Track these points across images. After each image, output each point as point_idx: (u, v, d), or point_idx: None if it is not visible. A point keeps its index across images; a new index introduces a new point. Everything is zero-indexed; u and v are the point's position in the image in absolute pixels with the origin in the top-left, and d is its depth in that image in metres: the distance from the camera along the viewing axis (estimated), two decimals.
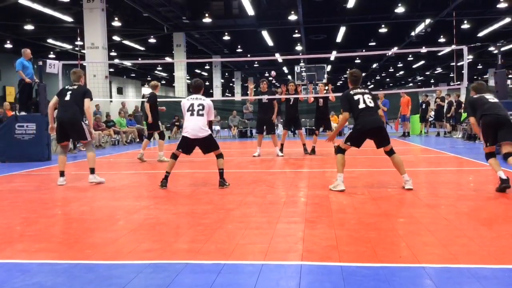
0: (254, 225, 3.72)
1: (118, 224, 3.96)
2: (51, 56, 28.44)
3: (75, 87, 6.33)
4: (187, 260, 2.84)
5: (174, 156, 5.89)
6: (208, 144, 5.81)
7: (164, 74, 43.81)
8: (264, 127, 9.96)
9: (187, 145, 5.78)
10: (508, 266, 2.65)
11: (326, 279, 2.50)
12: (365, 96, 5.44)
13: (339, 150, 5.57)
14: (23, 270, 2.73)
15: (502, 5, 18.93)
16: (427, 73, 46.39)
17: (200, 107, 5.73)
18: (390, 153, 5.58)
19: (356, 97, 5.42)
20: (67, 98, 6.17)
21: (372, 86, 61.58)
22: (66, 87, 6.42)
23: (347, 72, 6.35)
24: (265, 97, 9.79)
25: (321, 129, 10.45)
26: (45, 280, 2.55)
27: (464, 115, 16.65)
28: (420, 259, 2.80)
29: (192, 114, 5.71)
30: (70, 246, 3.23)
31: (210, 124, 5.91)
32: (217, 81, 34.50)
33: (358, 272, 2.62)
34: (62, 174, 6.30)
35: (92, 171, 6.23)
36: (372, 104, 5.40)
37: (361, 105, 5.35)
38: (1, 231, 3.75)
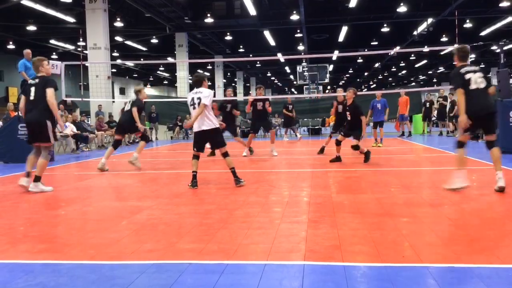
0: (257, 225, 3.72)
1: (121, 225, 3.96)
2: (54, 56, 28.51)
3: (37, 80, 5.72)
4: (190, 260, 2.84)
5: (195, 156, 5.94)
6: (215, 139, 5.88)
7: (166, 74, 43.88)
8: (261, 127, 10.42)
9: (197, 140, 5.87)
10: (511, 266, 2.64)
11: (329, 279, 2.50)
12: (477, 75, 4.76)
13: (459, 145, 4.98)
14: (26, 271, 2.73)
15: (504, 4, 18.86)
16: (430, 72, 46.30)
17: (198, 100, 5.70)
18: (492, 145, 4.96)
19: (467, 76, 4.73)
20: (32, 96, 5.64)
21: (374, 85, 61.55)
22: (29, 81, 5.83)
23: (454, 47, 5.42)
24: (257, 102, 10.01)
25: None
26: (48, 281, 2.55)
27: None
28: (423, 258, 2.79)
29: (194, 108, 5.75)
30: (73, 246, 3.24)
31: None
32: (219, 81, 34.52)
33: (361, 272, 2.62)
34: (28, 174, 5.71)
35: (38, 179, 5.60)
36: (484, 85, 4.74)
37: (473, 86, 4.69)
38: (4, 231, 3.76)
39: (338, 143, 8.44)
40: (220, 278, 2.52)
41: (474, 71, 4.77)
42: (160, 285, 2.45)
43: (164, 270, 2.68)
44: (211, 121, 5.70)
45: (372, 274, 2.60)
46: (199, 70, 40.71)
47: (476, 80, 4.71)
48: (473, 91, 4.64)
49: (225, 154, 5.81)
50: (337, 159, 8.39)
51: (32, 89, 5.65)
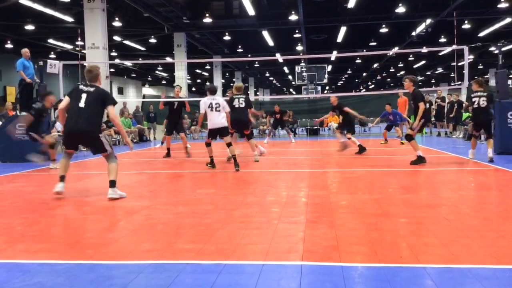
0: (255, 225, 3.72)
1: (119, 224, 3.96)
2: (52, 56, 28.46)
3: (92, 89, 5.22)
4: (188, 260, 2.84)
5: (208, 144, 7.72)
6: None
7: (165, 74, 43.83)
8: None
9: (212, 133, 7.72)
10: (510, 266, 2.65)
11: (326, 279, 2.50)
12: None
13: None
14: (24, 270, 2.73)
15: (503, 5, 18.91)
16: (428, 73, 46.37)
17: (217, 105, 7.51)
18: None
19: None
20: (82, 104, 5.10)
21: (372, 86, 61.62)
22: (80, 87, 5.27)
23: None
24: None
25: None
26: (46, 280, 2.55)
27: (465, 115, 16.61)
28: (421, 259, 2.80)
29: (213, 110, 7.52)
30: (71, 246, 3.23)
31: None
32: (218, 81, 34.46)
33: (359, 272, 2.62)
34: (62, 179, 5.30)
35: (113, 183, 5.17)
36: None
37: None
38: (2, 231, 3.76)
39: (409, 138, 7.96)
40: (218, 278, 2.52)
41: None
42: (158, 285, 2.45)
43: (162, 270, 2.68)
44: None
45: (370, 274, 2.60)
46: (197, 70, 40.74)
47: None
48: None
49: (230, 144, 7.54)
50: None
51: (83, 96, 5.15)
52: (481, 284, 2.39)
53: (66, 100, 5.33)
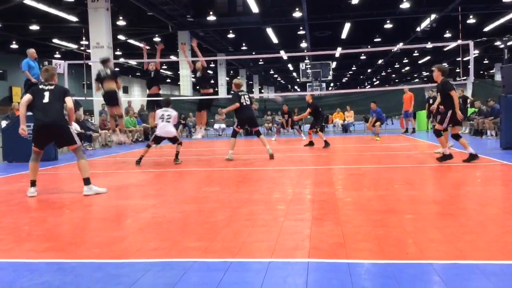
0: (261, 223, 3.73)
1: (125, 223, 3.98)
2: (57, 56, 28.61)
3: (52, 87, 5.51)
4: (194, 258, 2.85)
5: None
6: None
7: (169, 73, 43.91)
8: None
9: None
10: None
11: (333, 276, 2.50)
12: None
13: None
14: (31, 270, 2.75)
15: None
16: (433, 68, 46.07)
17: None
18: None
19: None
20: (46, 100, 5.35)
21: (377, 82, 61.35)
22: (41, 86, 5.54)
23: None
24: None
25: None
26: (53, 280, 2.57)
27: (470, 110, 16.50)
28: (427, 255, 2.79)
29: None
30: (77, 245, 3.25)
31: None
32: (222, 79, 34.52)
33: (365, 269, 2.62)
34: (33, 183, 5.42)
35: (87, 181, 5.37)
36: None
37: None
38: (9, 230, 3.79)
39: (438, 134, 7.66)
40: (225, 276, 2.53)
41: None
42: (165, 284, 2.46)
43: (169, 268, 2.69)
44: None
45: (376, 271, 2.60)
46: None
47: None
48: None
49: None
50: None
51: (46, 94, 5.41)
52: (489, 280, 2.38)
53: (28, 96, 5.48)
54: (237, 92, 8.70)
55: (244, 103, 8.55)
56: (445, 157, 7.30)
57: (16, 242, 3.40)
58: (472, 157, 7.22)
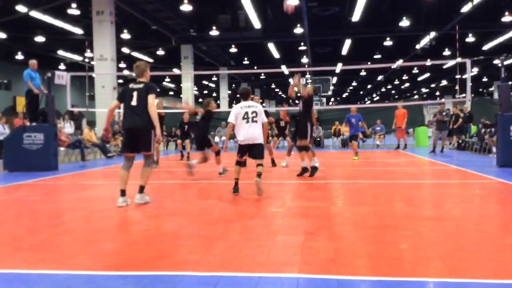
0: (254, 237, 3.74)
1: (119, 235, 3.99)
2: (61, 67, 28.86)
3: (141, 86, 5.28)
4: (185, 272, 2.86)
5: (239, 163, 6.12)
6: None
7: (172, 85, 44.19)
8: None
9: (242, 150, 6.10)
10: (507, 281, 2.64)
11: None
12: None
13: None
14: (23, 280, 2.76)
15: (506, 18, 18.98)
16: (432, 85, 46.34)
17: (254, 114, 5.93)
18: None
19: None
20: (134, 102, 5.21)
21: (377, 98, 61.59)
22: (130, 86, 5.34)
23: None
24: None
25: None
26: None
27: (474, 128, 16.51)
28: (418, 273, 2.80)
29: (247, 122, 5.92)
30: (70, 256, 3.27)
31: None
32: (224, 93, 34.74)
33: (355, 285, 2.63)
34: (123, 193, 5.23)
35: (142, 189, 5.28)
36: None
37: None
38: (5, 240, 3.80)
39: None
40: None
41: None
42: None
43: (159, 282, 2.70)
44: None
45: (366, 287, 2.61)
46: (204, 82, 41.02)
47: None
48: None
49: (260, 165, 5.98)
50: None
51: (134, 94, 5.23)
52: None
53: (115, 102, 5.44)
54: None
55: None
56: (305, 171, 7.81)
57: (10, 253, 3.41)
58: (304, 171, 7.77)
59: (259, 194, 5.69)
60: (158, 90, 5.54)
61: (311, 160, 7.89)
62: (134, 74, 5.48)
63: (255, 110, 5.93)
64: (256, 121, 5.91)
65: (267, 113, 8.37)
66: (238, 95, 8.39)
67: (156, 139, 5.35)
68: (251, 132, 5.87)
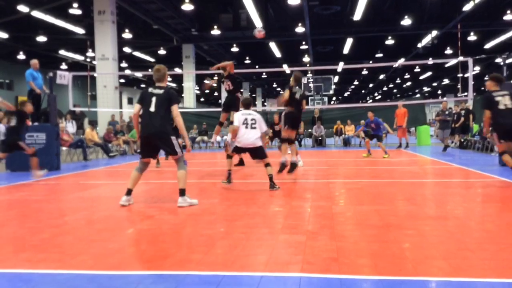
0: (256, 236, 3.74)
1: (121, 234, 4.00)
2: (63, 67, 28.91)
3: (161, 92, 5.26)
4: (187, 271, 2.86)
5: (230, 157, 6.97)
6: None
7: (174, 85, 44.23)
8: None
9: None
10: (508, 280, 2.63)
11: None
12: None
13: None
14: (25, 280, 2.77)
15: (508, 17, 18.92)
16: (434, 84, 46.28)
17: (253, 121, 6.67)
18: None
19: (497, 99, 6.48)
20: (152, 108, 5.18)
21: (379, 97, 61.52)
22: (150, 90, 5.30)
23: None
24: None
25: None
26: None
27: (476, 126, 16.42)
28: (420, 272, 2.79)
29: (246, 127, 6.66)
30: (72, 256, 3.27)
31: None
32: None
33: (357, 284, 2.63)
34: (128, 192, 5.34)
35: (183, 192, 5.25)
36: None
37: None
38: (7, 240, 3.81)
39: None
40: None
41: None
42: None
43: (161, 281, 2.70)
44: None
45: (368, 287, 2.60)
46: (205, 81, 41.01)
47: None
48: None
49: (268, 164, 6.58)
50: None
51: (153, 100, 5.20)
52: None
53: (137, 106, 5.36)
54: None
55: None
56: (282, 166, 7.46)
57: (13, 252, 3.42)
58: (283, 167, 7.41)
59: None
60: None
61: (294, 154, 8.05)
62: (154, 78, 5.43)
63: (254, 118, 6.68)
64: (254, 128, 6.63)
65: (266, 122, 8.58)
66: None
67: (187, 150, 5.47)
68: (247, 138, 6.59)
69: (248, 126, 6.66)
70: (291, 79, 7.89)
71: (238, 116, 6.80)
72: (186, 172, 5.35)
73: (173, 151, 5.28)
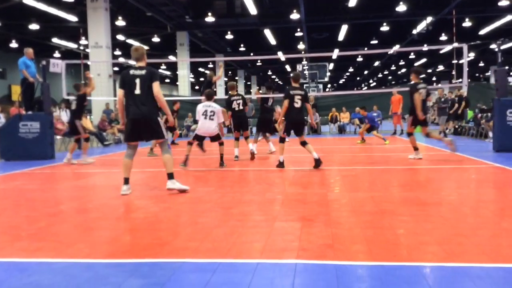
0: (252, 224, 3.76)
1: (117, 223, 4.00)
2: (56, 55, 28.57)
3: (143, 72, 5.11)
4: (183, 259, 2.87)
5: (190, 143, 7.84)
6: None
7: (168, 73, 43.92)
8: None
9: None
10: (502, 265, 2.66)
11: (320, 278, 2.53)
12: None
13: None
14: (21, 269, 2.77)
15: (503, 3, 18.87)
16: (429, 70, 46.25)
17: (212, 113, 7.51)
18: None
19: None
20: (137, 90, 5.05)
21: (374, 84, 61.48)
22: (131, 72, 5.12)
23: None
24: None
25: None
26: (42, 279, 2.59)
27: (470, 113, 16.46)
28: (415, 258, 2.82)
29: (205, 118, 7.54)
30: (69, 244, 3.27)
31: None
32: (220, 80, 34.51)
33: (352, 270, 2.65)
34: (126, 181, 5.26)
35: (171, 176, 5.25)
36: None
37: None
38: (3, 229, 3.80)
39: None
40: (213, 277, 2.55)
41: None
42: (152, 284, 2.48)
43: (157, 269, 2.71)
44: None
45: (363, 272, 2.63)
46: (200, 69, 40.76)
47: None
48: None
49: (222, 144, 7.82)
50: None
51: (137, 81, 5.06)
52: (474, 283, 2.41)
53: (120, 91, 5.20)
54: (229, 98, 9.03)
55: (236, 108, 8.93)
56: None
57: (9, 241, 3.42)
58: (318, 164, 7.16)
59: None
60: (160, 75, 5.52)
61: (254, 143, 9.17)
62: (132, 58, 5.32)
63: (213, 110, 7.51)
64: (212, 119, 7.50)
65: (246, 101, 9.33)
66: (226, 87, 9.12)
67: (170, 124, 5.54)
68: (207, 127, 7.53)
69: (207, 117, 7.49)
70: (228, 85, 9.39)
71: (198, 108, 7.60)
72: (171, 155, 5.32)
73: (160, 134, 5.23)
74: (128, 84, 5.11)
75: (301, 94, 7.33)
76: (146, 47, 11.77)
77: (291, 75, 7.74)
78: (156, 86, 5.11)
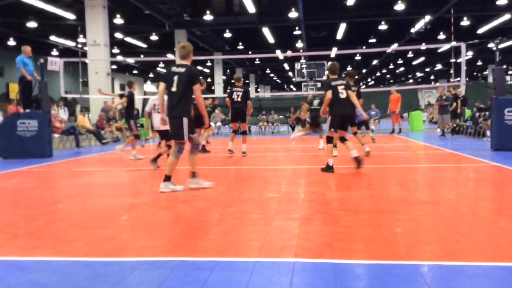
0: (250, 222, 3.76)
1: (116, 221, 4.00)
2: (54, 53, 28.47)
3: (183, 70, 5.14)
4: (182, 257, 2.87)
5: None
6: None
7: (165, 71, 43.86)
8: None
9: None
10: (499, 264, 2.67)
11: (317, 276, 2.53)
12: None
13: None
14: (19, 267, 2.77)
15: (501, 1, 18.89)
16: (427, 69, 46.30)
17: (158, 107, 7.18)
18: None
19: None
20: (174, 88, 5.11)
21: (372, 82, 61.51)
22: (173, 69, 5.20)
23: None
24: None
25: None
26: (40, 277, 2.58)
27: (468, 111, 16.49)
28: (412, 256, 2.83)
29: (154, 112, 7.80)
30: (67, 243, 3.27)
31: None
32: (219, 78, 34.51)
33: (350, 269, 2.65)
34: (167, 178, 5.29)
35: (168, 178, 5.27)
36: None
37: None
38: (0, 228, 3.80)
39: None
40: (211, 275, 2.56)
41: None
42: (151, 282, 2.48)
43: (156, 267, 2.71)
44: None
45: (361, 271, 2.63)
46: (198, 67, 40.69)
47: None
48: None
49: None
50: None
51: (175, 79, 5.13)
52: (471, 281, 2.41)
53: (162, 85, 5.34)
54: (232, 88, 9.48)
55: (235, 99, 9.26)
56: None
57: (7, 240, 3.41)
58: (359, 162, 6.58)
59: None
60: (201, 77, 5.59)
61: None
62: (178, 55, 5.38)
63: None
64: (159, 112, 7.06)
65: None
66: (232, 80, 9.23)
67: (206, 126, 5.70)
68: (156, 121, 7.34)
69: (155, 110, 7.71)
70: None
71: (149, 102, 7.89)
72: (177, 160, 5.33)
73: (179, 136, 5.20)
74: (168, 80, 5.22)
75: (343, 84, 6.70)
76: (144, 45, 11.72)
77: (327, 67, 7.48)
78: (196, 90, 5.18)
